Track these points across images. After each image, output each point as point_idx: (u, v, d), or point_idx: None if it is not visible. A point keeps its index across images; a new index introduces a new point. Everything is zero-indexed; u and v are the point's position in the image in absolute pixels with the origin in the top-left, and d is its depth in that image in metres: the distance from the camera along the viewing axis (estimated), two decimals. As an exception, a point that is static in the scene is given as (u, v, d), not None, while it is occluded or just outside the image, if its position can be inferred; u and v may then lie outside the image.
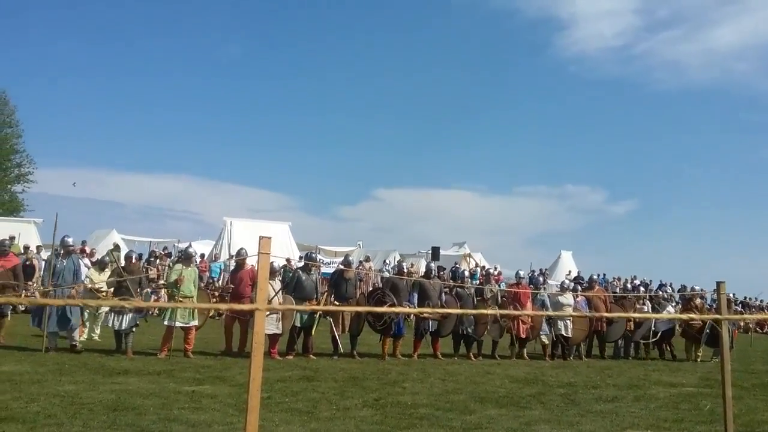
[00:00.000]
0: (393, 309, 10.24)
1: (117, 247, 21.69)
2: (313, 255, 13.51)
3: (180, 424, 5.81)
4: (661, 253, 54.82)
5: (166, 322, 10.67)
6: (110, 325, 10.92)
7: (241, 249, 12.36)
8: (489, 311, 12.17)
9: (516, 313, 12.49)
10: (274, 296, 11.04)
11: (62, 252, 11.18)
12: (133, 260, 12.29)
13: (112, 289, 11.38)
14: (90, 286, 11.51)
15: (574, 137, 63.68)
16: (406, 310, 10.70)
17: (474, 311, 12.33)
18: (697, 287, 16.83)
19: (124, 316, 10.68)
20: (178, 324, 10.62)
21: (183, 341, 10.68)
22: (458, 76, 64.68)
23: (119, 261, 13.15)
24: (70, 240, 11.51)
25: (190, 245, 15.37)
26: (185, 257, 11.65)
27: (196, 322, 10.94)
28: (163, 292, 16.70)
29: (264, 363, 10.01)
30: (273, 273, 11.69)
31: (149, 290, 12.11)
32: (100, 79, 58.60)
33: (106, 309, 11.46)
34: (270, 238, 3.35)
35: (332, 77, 64.93)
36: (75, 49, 57.66)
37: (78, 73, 60.68)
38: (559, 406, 7.60)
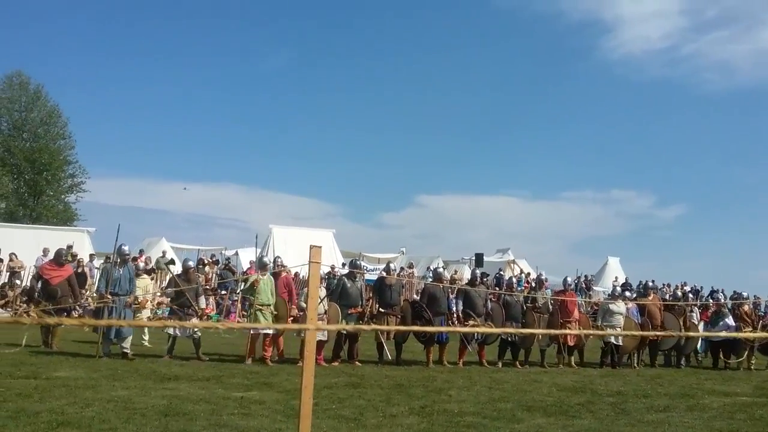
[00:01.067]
0: (437, 329, 10.43)
1: (172, 261, 22.18)
2: (358, 262, 13.55)
3: (230, 430, 5.90)
4: (712, 258, 53.26)
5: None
6: (169, 331, 11.09)
7: (277, 257, 12.62)
8: (538, 330, 12.11)
9: (569, 332, 12.26)
10: (319, 303, 11.13)
11: (119, 260, 11.50)
12: (191, 270, 12.51)
13: (167, 299, 11.70)
14: (140, 296, 11.88)
15: (620, 141, 62.60)
16: (450, 329, 10.76)
17: (520, 330, 12.27)
18: (745, 293, 16.40)
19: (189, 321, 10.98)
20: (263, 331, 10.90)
21: (262, 348, 11.12)
22: (502, 81, 64.21)
23: (172, 272, 13.52)
24: (126, 248, 11.87)
25: (236, 253, 15.65)
26: (260, 266, 11.95)
27: (270, 331, 10.99)
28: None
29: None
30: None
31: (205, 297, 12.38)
32: (149, 90, 60.02)
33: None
34: (320, 247, 3.41)
35: (376, 86, 65.23)
36: (123, 61, 59.22)
37: (126, 86, 62.34)
38: (609, 416, 7.46)
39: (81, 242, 23.95)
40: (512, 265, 31.54)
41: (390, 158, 64.58)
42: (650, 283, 16.83)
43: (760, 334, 13.06)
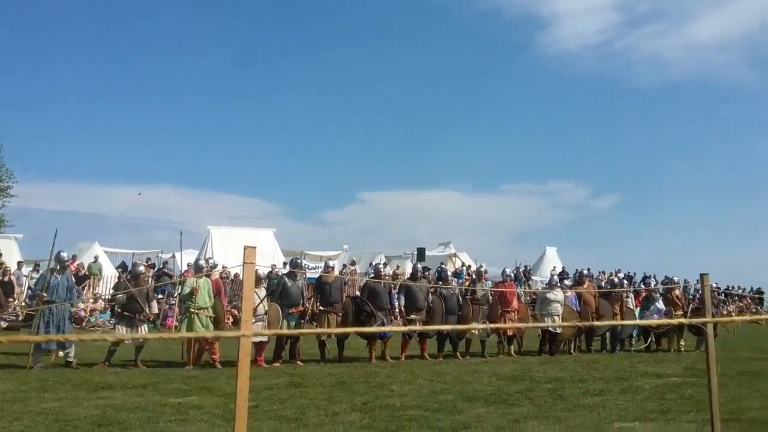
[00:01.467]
0: (379, 329, 10.51)
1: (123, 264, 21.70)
2: (299, 261, 13.44)
3: (166, 437, 5.76)
4: (645, 246, 55.42)
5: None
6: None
7: (209, 259, 12.44)
8: (478, 325, 12.28)
9: (507, 326, 12.45)
10: (259, 304, 10.99)
11: (57, 267, 11.10)
12: (141, 275, 12.03)
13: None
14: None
15: (557, 134, 64.33)
16: (393, 328, 10.87)
17: (456, 327, 12.38)
18: (675, 278, 17.14)
19: (138, 329, 10.76)
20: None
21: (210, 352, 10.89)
22: (441, 77, 65.12)
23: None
24: (64, 254, 11.42)
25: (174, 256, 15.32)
26: (196, 269, 11.74)
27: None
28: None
29: (251, 371, 9.90)
30: (258, 280, 11.67)
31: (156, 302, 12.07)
32: (79, 91, 58.02)
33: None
34: (255, 247, 3.34)
35: (314, 82, 64.93)
36: (53, 62, 57.05)
37: (57, 87, 60.06)
38: (547, 402, 7.63)
39: (8, 249, 22.99)
40: (454, 258, 31.87)
41: (331, 156, 64.63)
42: (585, 272, 17.22)
43: (686, 320, 13.57)
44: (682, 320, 13.69)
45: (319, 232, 58.37)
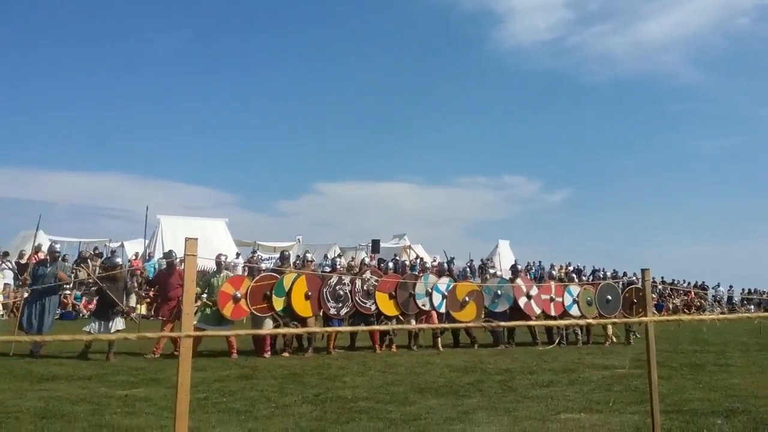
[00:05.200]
0: (326, 329, 10.55)
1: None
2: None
3: (111, 430, 5.62)
4: (594, 239, 56.66)
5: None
6: (90, 330, 10.53)
7: (171, 251, 12.24)
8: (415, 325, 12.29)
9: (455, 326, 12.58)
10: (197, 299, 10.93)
11: (48, 258, 11.34)
12: (119, 268, 11.83)
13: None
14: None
15: (511, 128, 64.88)
16: (342, 329, 10.92)
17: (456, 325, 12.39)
18: (617, 271, 17.48)
19: (112, 322, 10.60)
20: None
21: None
22: (398, 69, 64.84)
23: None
24: (57, 246, 12.04)
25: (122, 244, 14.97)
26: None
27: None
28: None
29: (201, 363, 9.78)
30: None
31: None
32: (22, 74, 55.95)
33: None
34: (196, 239, 3.24)
35: (267, 68, 64.00)
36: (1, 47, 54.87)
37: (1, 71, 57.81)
38: (497, 393, 7.72)
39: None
40: (408, 250, 32.02)
41: (286, 146, 63.80)
42: (518, 267, 17.50)
43: (628, 319, 13.89)
44: (624, 320, 14.01)
45: (272, 222, 57.76)
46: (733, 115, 63.29)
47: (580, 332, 14.79)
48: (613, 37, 62.75)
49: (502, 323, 12.18)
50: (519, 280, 14.67)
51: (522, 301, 13.83)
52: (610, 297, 14.70)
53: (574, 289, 14.77)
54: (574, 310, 14.33)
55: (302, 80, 63.85)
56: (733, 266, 57.50)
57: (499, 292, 13.65)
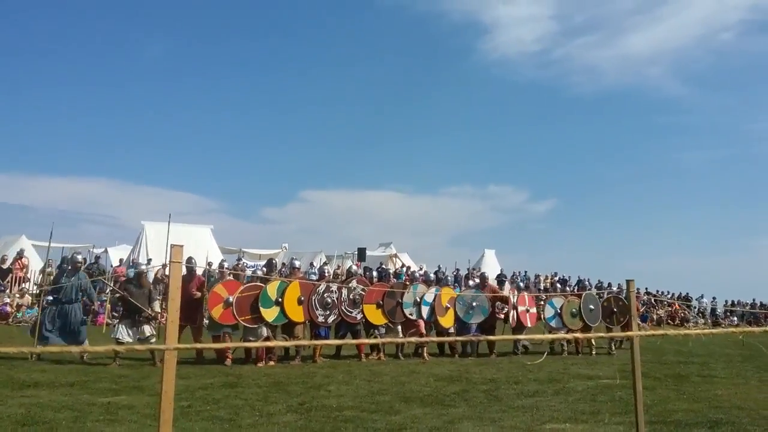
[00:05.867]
0: (315, 342, 10.63)
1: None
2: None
3: (94, 438, 5.56)
4: (580, 249, 56.94)
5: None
6: (120, 337, 10.75)
7: (191, 257, 12.34)
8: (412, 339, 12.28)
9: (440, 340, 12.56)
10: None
11: (69, 268, 11.37)
12: (143, 274, 11.83)
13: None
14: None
15: (497, 138, 65.24)
16: (331, 342, 10.91)
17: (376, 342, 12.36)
18: (602, 281, 17.52)
19: (140, 327, 10.92)
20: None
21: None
22: (386, 79, 65.06)
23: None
24: (79, 257, 12.07)
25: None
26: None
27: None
28: None
29: (185, 370, 9.69)
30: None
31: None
32: (11, 80, 55.46)
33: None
34: (182, 246, 3.22)
35: (254, 76, 63.97)
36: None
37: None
38: (482, 403, 7.72)
39: None
40: (394, 258, 31.99)
41: (272, 153, 63.73)
42: (486, 275, 17.41)
43: (613, 334, 13.93)
44: (611, 334, 14.05)
45: (258, 230, 57.48)
46: (718, 128, 64.18)
47: (566, 343, 14.79)
48: (598, 50, 63.49)
49: (490, 337, 12.17)
50: (507, 290, 14.70)
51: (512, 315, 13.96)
52: (592, 306, 14.76)
53: (557, 301, 14.81)
54: (556, 323, 14.39)
55: (290, 88, 63.99)
56: (716, 278, 58.08)
57: (474, 303, 13.62)
